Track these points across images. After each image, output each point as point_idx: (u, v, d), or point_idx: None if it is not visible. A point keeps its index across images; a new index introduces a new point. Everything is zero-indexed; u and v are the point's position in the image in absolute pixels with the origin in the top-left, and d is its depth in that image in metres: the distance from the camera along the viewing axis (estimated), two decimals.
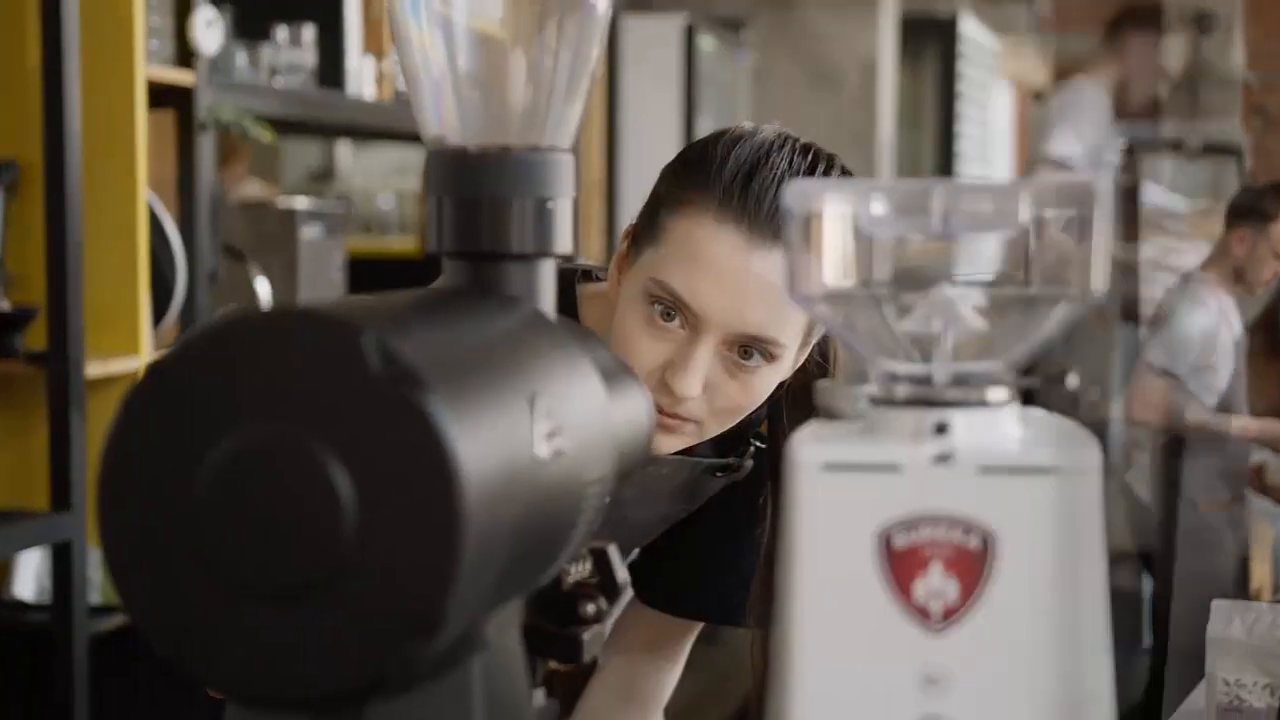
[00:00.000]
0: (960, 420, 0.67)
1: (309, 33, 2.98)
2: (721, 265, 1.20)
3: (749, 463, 1.41)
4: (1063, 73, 9.53)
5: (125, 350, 2.44)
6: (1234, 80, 8.31)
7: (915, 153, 7.14)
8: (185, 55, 2.61)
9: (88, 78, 2.37)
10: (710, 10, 5.12)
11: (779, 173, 1.22)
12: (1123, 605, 4.23)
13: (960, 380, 0.69)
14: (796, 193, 0.69)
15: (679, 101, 4.72)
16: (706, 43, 4.82)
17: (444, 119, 0.81)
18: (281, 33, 2.96)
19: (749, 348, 1.23)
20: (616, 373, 0.84)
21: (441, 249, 0.79)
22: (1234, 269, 4.53)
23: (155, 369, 0.62)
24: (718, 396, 1.25)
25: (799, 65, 5.39)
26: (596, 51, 0.83)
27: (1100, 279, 0.67)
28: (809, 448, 0.67)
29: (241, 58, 2.89)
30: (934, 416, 0.67)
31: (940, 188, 0.67)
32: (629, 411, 0.83)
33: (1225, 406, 4.36)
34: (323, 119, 3.12)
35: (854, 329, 0.70)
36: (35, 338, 2.35)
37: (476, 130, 0.80)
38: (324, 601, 0.60)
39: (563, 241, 0.80)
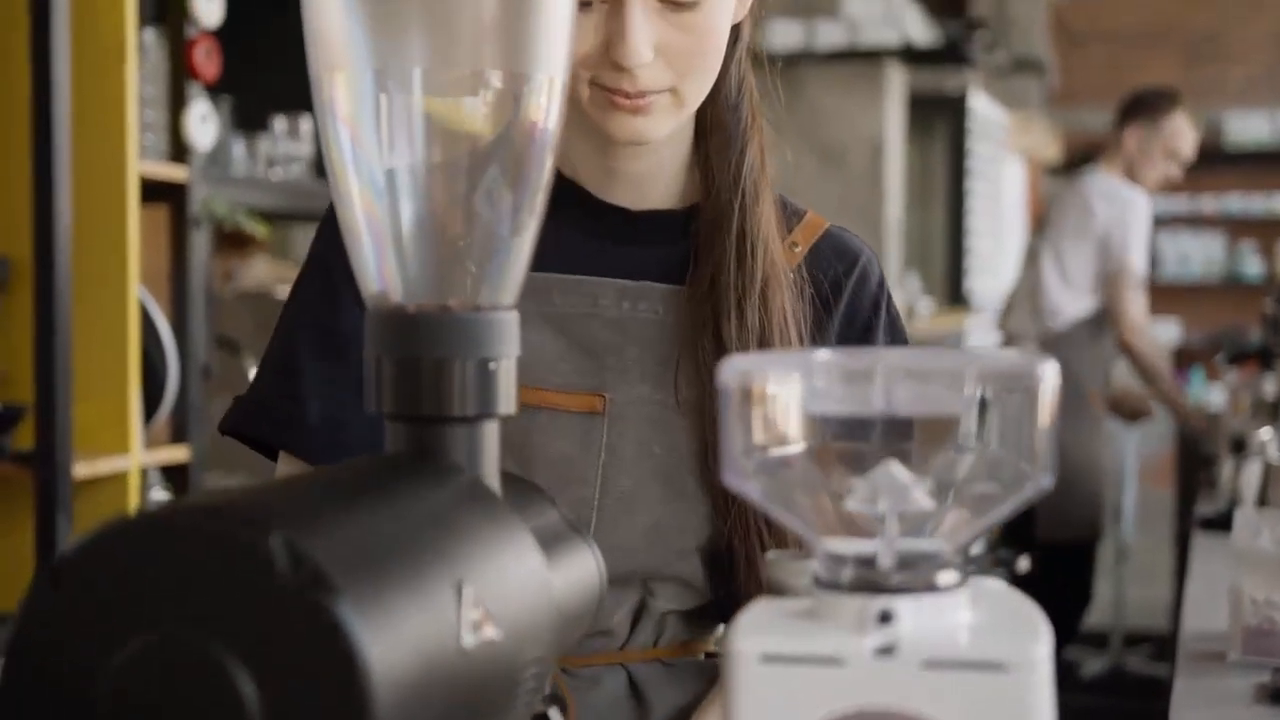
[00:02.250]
0: (906, 608, 0.64)
1: (307, 124, 2.98)
2: None
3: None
4: (1073, 147, 9.55)
5: (115, 449, 2.42)
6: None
7: (926, 228, 7.12)
8: (180, 149, 2.60)
9: (80, 174, 2.36)
10: None
11: None
12: None
13: (907, 562, 0.66)
14: (733, 368, 0.66)
15: None
16: None
17: (385, 276, 0.78)
18: (280, 124, 2.95)
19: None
20: (561, 536, 0.81)
21: (382, 410, 0.77)
22: (1126, 166, 4.47)
23: (58, 566, 0.59)
24: (674, 53, 1.16)
25: (807, 144, 5.39)
26: (540, 202, 0.81)
27: (1047, 465, 0.64)
28: (748, 638, 0.64)
29: (239, 148, 2.89)
30: (878, 604, 0.64)
31: (884, 364, 0.65)
32: (574, 575, 0.80)
33: None
34: (320, 210, 3.11)
35: (794, 507, 0.67)
36: (23, 437, 2.33)
37: (418, 288, 0.78)
38: None
39: (507, 402, 0.78)
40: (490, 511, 0.72)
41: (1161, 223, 9.66)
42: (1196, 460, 4.53)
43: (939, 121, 7.00)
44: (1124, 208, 4.38)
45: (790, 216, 1.31)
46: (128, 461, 2.45)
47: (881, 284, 1.32)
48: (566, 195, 1.25)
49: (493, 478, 0.77)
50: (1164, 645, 5.33)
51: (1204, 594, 2.30)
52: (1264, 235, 9.58)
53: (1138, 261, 4.30)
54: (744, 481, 0.66)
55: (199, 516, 0.58)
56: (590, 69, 1.17)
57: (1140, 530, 6.01)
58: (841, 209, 5.35)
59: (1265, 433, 3.05)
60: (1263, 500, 2.88)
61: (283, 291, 3.18)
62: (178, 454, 2.64)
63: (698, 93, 1.20)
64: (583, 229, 1.25)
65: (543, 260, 0.82)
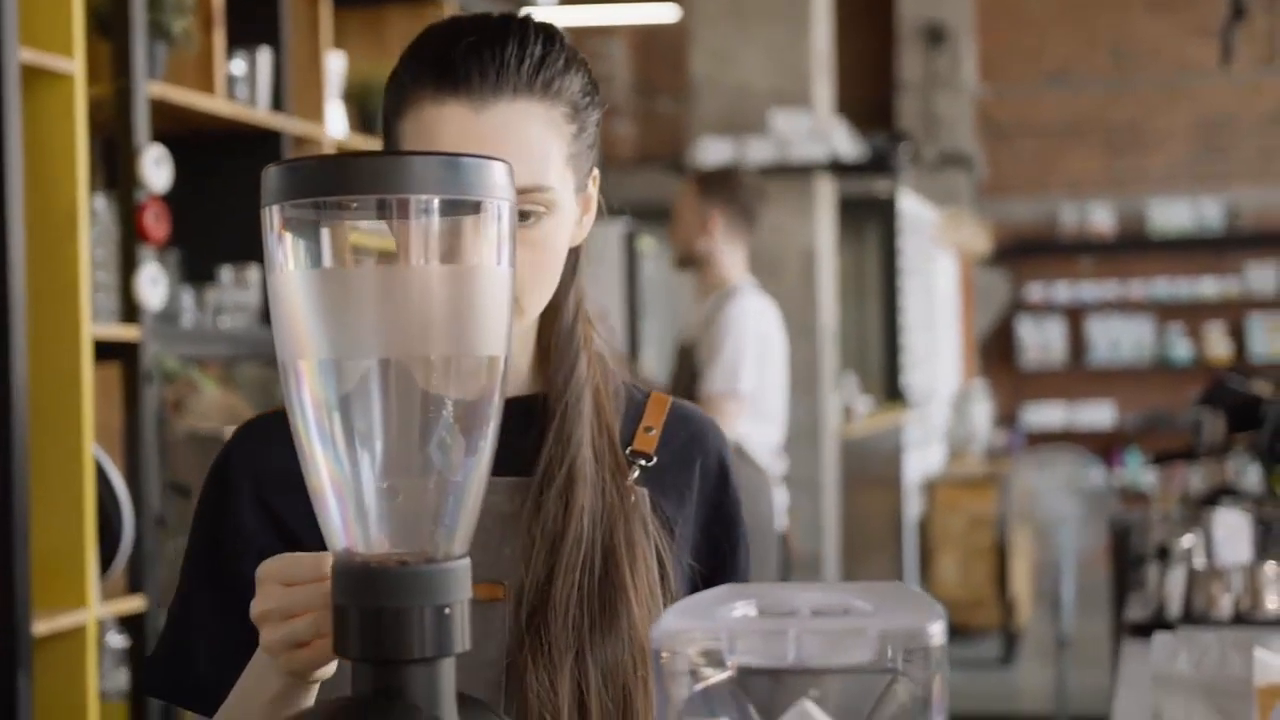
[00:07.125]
0: None
1: (253, 273, 3.08)
2: (452, 138, 1.17)
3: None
4: (1003, 238, 9.76)
5: (72, 604, 2.48)
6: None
7: (861, 327, 7.27)
8: (131, 310, 2.68)
9: (35, 337, 2.44)
10: (649, 208, 5.26)
11: (484, 33, 1.21)
12: None
13: None
14: (661, 629, 0.76)
15: (622, 304, 4.82)
16: (647, 244, 4.94)
17: (349, 534, 0.88)
18: (227, 274, 3.05)
19: (521, 211, 1.17)
20: None
21: (349, 654, 0.86)
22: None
23: None
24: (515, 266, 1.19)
25: None
26: (487, 460, 0.90)
27: (942, 709, 0.74)
28: None
29: (189, 299, 2.98)
30: None
31: (794, 628, 0.75)
32: None
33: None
34: (268, 355, 3.21)
35: None
36: None
37: (380, 541, 0.88)
38: None
39: (461, 641, 0.87)
40: None
41: (1092, 308, 9.90)
42: (1127, 555, 4.63)
43: (869, 223, 7.17)
44: None
45: (639, 403, 1.36)
46: (85, 615, 2.51)
47: (733, 478, 1.37)
48: None
49: (450, 709, 0.86)
50: None
51: (1133, 708, 2.39)
52: (1191, 319, 9.82)
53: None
54: None
55: None
56: None
57: (1082, 615, 6.12)
58: None
59: (1188, 540, 3.16)
60: (1187, 608, 2.99)
61: (229, 433, 3.26)
62: (134, 604, 2.71)
63: (537, 304, 1.25)
64: None
65: None
